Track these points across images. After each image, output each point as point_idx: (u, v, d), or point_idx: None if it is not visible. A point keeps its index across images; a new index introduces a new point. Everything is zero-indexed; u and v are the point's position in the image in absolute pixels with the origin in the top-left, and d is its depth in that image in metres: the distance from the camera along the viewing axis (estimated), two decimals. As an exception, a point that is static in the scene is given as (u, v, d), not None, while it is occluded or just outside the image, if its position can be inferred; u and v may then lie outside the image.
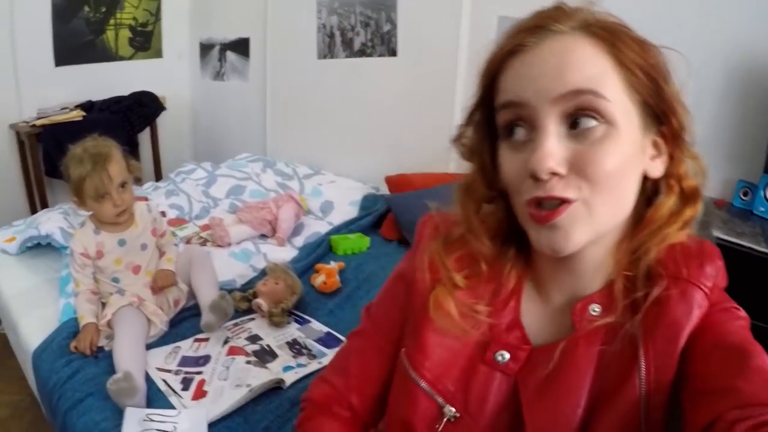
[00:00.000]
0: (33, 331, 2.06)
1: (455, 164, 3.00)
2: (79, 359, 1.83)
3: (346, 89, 3.56)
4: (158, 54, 4.61)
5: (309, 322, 2.10)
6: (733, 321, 0.68)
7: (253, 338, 1.98)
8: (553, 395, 0.69)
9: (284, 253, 2.61)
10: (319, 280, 2.31)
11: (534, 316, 0.76)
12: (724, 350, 0.63)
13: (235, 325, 2.05)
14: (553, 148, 0.63)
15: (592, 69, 0.63)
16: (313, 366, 1.84)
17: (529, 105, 0.64)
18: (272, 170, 3.49)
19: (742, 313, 0.70)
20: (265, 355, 1.88)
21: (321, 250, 2.62)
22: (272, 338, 1.99)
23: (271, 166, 3.55)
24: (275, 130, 4.09)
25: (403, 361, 0.80)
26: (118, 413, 1.60)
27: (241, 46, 4.21)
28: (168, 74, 4.60)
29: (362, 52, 3.41)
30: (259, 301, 2.07)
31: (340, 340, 1.96)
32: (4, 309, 2.32)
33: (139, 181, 2.25)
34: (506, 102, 0.67)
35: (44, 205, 3.72)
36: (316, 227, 2.86)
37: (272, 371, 1.78)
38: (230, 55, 4.32)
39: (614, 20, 0.67)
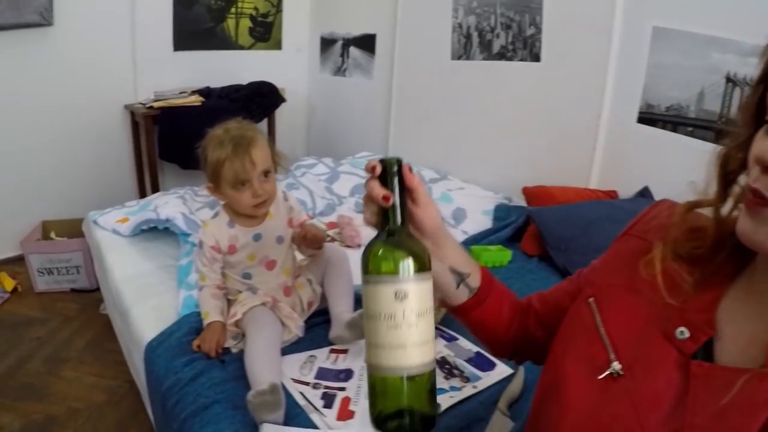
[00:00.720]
0: (146, 321, 1.84)
1: (596, 180, 2.64)
2: (203, 360, 1.58)
3: (481, 93, 3.31)
4: (277, 46, 4.52)
5: (456, 339, 1.80)
6: None
7: (397, 354, 1.68)
8: (721, 421, 0.61)
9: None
10: None
11: (731, 325, 0.66)
12: None
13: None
14: None
15: None
16: (468, 390, 1.54)
17: None
18: None
19: None
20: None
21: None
22: (418, 355, 1.68)
23: None
24: (399, 130, 3.89)
25: (590, 305, 0.78)
26: (251, 427, 1.36)
27: (366, 42, 4.03)
28: (286, 67, 4.50)
29: (502, 55, 3.16)
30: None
31: (492, 363, 1.67)
32: (115, 293, 2.11)
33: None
34: None
35: (155, 189, 3.61)
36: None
37: None
38: (354, 51, 4.16)
39: None
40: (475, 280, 0.89)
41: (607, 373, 0.71)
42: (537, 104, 3.01)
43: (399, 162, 0.74)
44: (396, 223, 0.73)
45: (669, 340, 0.68)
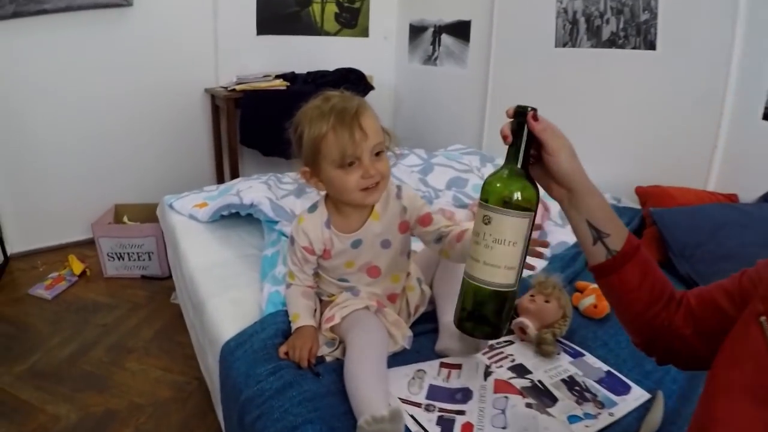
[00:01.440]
0: (224, 317, 1.60)
1: (715, 182, 2.25)
2: (291, 369, 1.31)
3: (588, 84, 2.99)
4: (364, 33, 4.36)
5: (582, 355, 1.49)
6: None
7: (519, 370, 1.38)
8: None
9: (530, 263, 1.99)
10: (587, 301, 1.71)
11: None
12: None
13: (490, 347, 1.47)
14: None
15: None
16: (604, 419, 1.24)
17: None
18: (492, 166, 2.96)
19: None
20: (540, 396, 1.29)
21: (577, 264, 2.00)
22: (543, 372, 1.39)
23: (491, 162, 3.02)
24: (495, 123, 3.55)
25: (762, 324, 0.69)
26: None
27: (459, 30, 3.78)
28: (373, 55, 4.34)
29: (612, 43, 2.84)
30: (525, 321, 1.48)
31: (627, 385, 1.37)
32: (189, 282, 1.89)
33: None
34: None
35: (234, 176, 3.48)
36: (560, 236, 2.26)
37: (558, 420, 1.19)
38: (446, 39, 3.91)
39: None
40: (615, 243, 0.87)
41: None
42: (651, 97, 2.71)
43: (526, 110, 0.83)
44: (510, 162, 0.85)
45: None
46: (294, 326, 1.41)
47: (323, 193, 1.43)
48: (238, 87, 3.45)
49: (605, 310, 1.67)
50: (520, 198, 0.81)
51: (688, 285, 1.87)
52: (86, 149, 3.48)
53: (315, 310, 1.46)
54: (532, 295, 1.56)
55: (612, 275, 0.88)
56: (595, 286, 1.76)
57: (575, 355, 1.48)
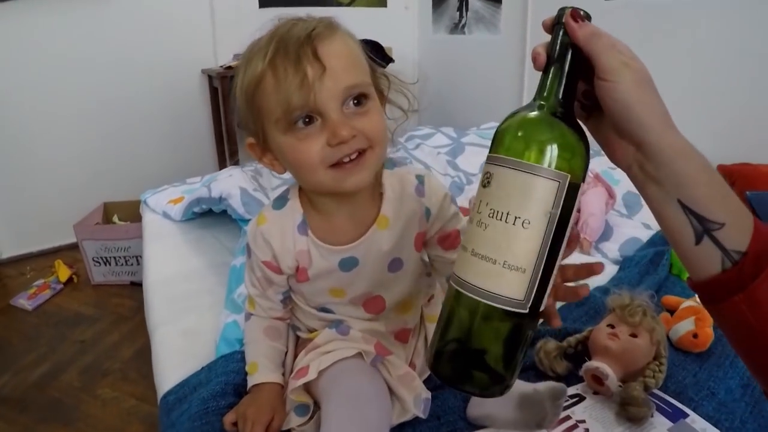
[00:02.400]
0: (170, 354, 1.17)
1: None
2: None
3: (651, 41, 2.51)
4: (382, 3, 4.00)
5: (685, 415, 0.99)
6: None
7: (594, 447, 0.91)
8: None
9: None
10: (682, 328, 1.18)
11: None
12: None
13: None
14: None
15: None
16: None
17: None
18: None
19: None
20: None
21: (660, 271, 1.50)
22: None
23: None
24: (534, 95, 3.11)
25: None
26: None
27: None
28: (392, 27, 3.96)
29: None
30: (602, 367, 0.99)
31: None
32: (146, 303, 1.47)
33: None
34: None
35: (235, 164, 3.12)
36: (630, 230, 1.78)
37: None
38: (475, 3, 3.50)
39: None
40: (736, 238, 0.51)
41: None
42: (732, 55, 2.25)
43: (566, 9, 0.55)
44: (544, 94, 0.55)
45: None
46: (250, 382, 0.94)
47: (281, 174, 0.91)
48: (234, 64, 3.09)
49: (708, 340, 1.16)
50: (554, 150, 0.51)
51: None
52: (75, 142, 3.21)
53: (285, 354, 0.99)
54: (611, 326, 1.06)
55: (736, 296, 0.51)
56: (692, 302, 1.26)
57: (675, 416, 0.98)
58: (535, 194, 0.50)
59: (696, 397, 1.02)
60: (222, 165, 3.52)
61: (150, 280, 1.50)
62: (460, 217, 0.95)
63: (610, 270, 1.52)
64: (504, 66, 3.35)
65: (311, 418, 0.90)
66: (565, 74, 0.55)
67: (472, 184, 2.09)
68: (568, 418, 0.96)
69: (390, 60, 3.44)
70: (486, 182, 0.52)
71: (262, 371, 0.94)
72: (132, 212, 3.04)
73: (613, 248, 1.68)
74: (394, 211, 0.91)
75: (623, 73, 0.52)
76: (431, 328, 1.00)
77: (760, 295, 0.51)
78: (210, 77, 3.39)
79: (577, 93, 0.57)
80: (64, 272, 2.89)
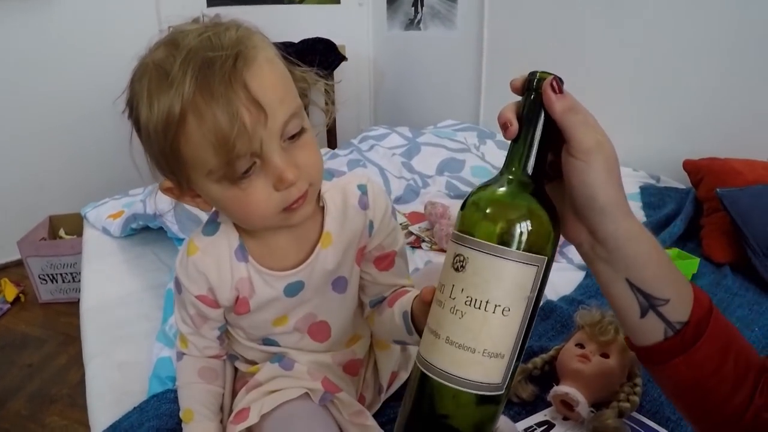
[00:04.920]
0: (104, 390, 1.09)
1: None
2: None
3: (609, 32, 2.48)
4: None
5: (656, 434, 0.94)
6: None
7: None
8: None
9: (560, 275, 1.45)
10: None
11: None
12: None
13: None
14: None
15: None
16: None
17: None
18: (494, 143, 2.51)
19: None
20: None
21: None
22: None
23: (491, 138, 2.57)
24: (493, 92, 3.14)
25: None
26: None
27: None
28: (346, 24, 3.88)
29: None
30: (571, 393, 0.92)
31: None
32: (82, 332, 1.36)
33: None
34: None
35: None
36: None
37: None
38: None
39: None
40: (678, 311, 0.56)
41: None
42: (702, 42, 2.19)
43: (543, 77, 0.53)
44: (514, 167, 0.54)
45: None
46: (185, 430, 0.85)
47: (210, 211, 0.84)
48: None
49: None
50: (526, 231, 0.50)
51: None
52: (16, 153, 3.08)
53: (219, 398, 0.90)
54: (580, 345, 1.00)
55: (677, 359, 0.57)
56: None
57: (647, 435, 0.93)
58: (514, 281, 0.49)
59: (673, 416, 0.97)
60: None
61: (85, 306, 1.41)
62: (397, 233, 0.89)
63: (576, 277, 1.47)
64: (461, 63, 3.30)
65: None
66: (536, 146, 0.53)
67: (428, 186, 2.03)
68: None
69: (343, 58, 3.40)
70: (460, 266, 0.50)
71: (198, 419, 0.85)
72: (80, 225, 2.94)
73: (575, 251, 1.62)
74: (338, 227, 0.83)
75: (597, 155, 0.52)
76: (383, 357, 0.94)
77: (699, 357, 0.56)
78: None
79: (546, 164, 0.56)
80: (10, 291, 2.79)
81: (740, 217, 1.63)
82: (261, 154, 0.65)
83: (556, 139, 0.53)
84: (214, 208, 0.81)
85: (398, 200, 2.01)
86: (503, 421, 0.84)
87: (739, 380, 0.59)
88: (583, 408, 0.91)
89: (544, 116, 0.52)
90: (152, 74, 0.66)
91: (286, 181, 0.66)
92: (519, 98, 0.55)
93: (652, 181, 2.19)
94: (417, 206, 1.89)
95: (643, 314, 0.57)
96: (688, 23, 2.21)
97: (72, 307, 2.68)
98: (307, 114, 0.76)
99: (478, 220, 0.51)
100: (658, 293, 0.56)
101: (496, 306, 0.49)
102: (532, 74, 0.54)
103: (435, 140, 2.41)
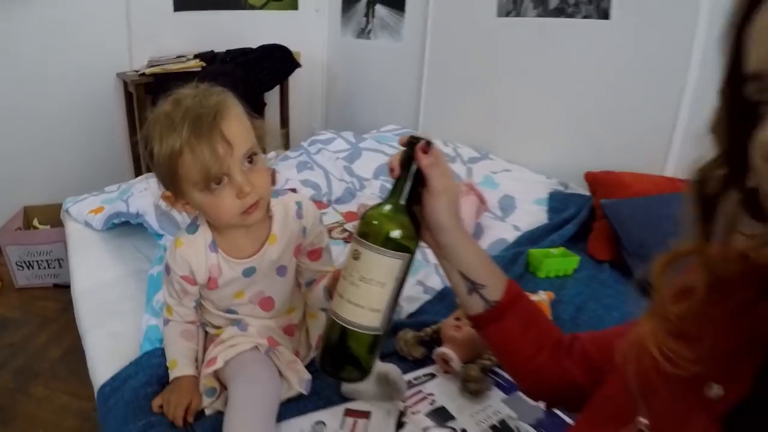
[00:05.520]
0: (103, 354, 1.38)
1: (674, 167, 2.02)
2: (164, 426, 1.10)
3: (533, 57, 2.75)
4: (293, 5, 4.09)
5: (517, 389, 1.27)
6: None
7: (440, 415, 1.18)
8: None
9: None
10: None
11: None
12: None
13: (408, 383, 1.26)
14: None
15: None
16: None
17: None
18: None
19: None
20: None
21: (517, 268, 1.80)
22: (469, 417, 1.18)
23: None
24: (432, 100, 3.38)
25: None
26: None
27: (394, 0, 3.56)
28: (303, 29, 4.08)
29: (561, 11, 2.61)
30: (447, 352, 1.26)
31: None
32: (76, 309, 1.65)
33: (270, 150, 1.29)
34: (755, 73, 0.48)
35: (150, 169, 3.11)
36: (500, 231, 2.07)
37: None
38: (380, 10, 3.66)
39: None
40: (493, 293, 0.82)
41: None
42: (603, 71, 2.47)
43: (417, 140, 0.77)
44: (394, 196, 0.79)
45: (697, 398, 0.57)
46: (171, 375, 1.18)
47: (193, 214, 1.19)
48: (148, 71, 3.16)
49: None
50: (397, 237, 0.75)
51: (646, 291, 1.69)
52: None
53: (197, 352, 1.23)
54: (457, 318, 1.34)
55: (492, 326, 0.83)
56: (536, 297, 1.57)
57: (509, 389, 1.27)
58: (388, 268, 0.75)
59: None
60: (138, 170, 3.50)
61: (78, 288, 1.68)
62: (323, 235, 1.25)
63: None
64: (405, 71, 3.49)
65: (217, 398, 1.16)
66: (410, 184, 0.78)
67: (364, 189, 2.32)
68: (420, 392, 1.24)
69: (297, 65, 3.63)
70: (356, 256, 0.75)
71: (180, 367, 1.18)
72: (52, 216, 3.09)
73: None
74: (281, 230, 1.19)
75: (443, 196, 0.78)
76: (312, 324, 1.30)
77: (506, 326, 0.82)
78: (125, 82, 3.40)
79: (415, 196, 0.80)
80: (-12, 277, 2.91)
81: (618, 224, 1.95)
82: (229, 173, 1.02)
83: (422, 180, 0.78)
84: (194, 215, 1.16)
85: (338, 201, 2.28)
86: (394, 371, 1.17)
87: (539, 347, 0.83)
88: (456, 363, 1.25)
89: (416, 166, 0.77)
90: (162, 122, 1.02)
91: (244, 193, 1.03)
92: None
93: (561, 188, 2.46)
94: (353, 207, 2.18)
95: (469, 293, 0.82)
96: (598, 57, 2.47)
97: (47, 291, 2.91)
98: (264, 151, 1.12)
99: (368, 228, 0.76)
100: (479, 280, 0.81)
101: (378, 282, 0.74)
102: (412, 137, 0.78)
103: (375, 146, 2.66)
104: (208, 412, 1.14)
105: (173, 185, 1.06)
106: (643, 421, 0.61)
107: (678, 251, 0.62)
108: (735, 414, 0.55)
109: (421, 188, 0.79)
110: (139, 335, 1.38)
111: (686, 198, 0.59)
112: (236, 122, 1.03)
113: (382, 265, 0.75)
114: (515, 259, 1.85)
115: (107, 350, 1.37)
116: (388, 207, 0.78)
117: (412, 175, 0.78)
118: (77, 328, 1.62)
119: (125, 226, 1.97)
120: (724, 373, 0.56)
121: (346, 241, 1.91)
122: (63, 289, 2.90)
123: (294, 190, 2.23)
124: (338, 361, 0.78)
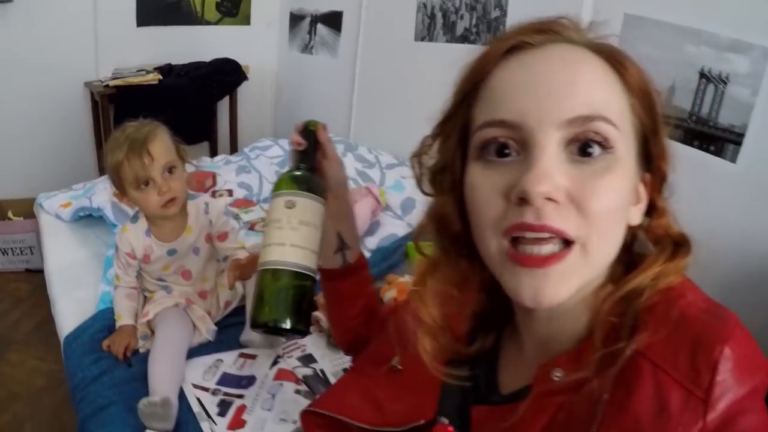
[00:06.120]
0: (69, 314, 1.84)
1: None
2: (110, 359, 1.58)
3: (444, 77, 3.04)
4: (246, 21, 4.34)
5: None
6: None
7: (307, 359, 1.67)
8: None
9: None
10: (389, 295, 1.91)
11: (510, 367, 0.70)
12: None
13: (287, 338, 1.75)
14: (553, 168, 0.54)
15: (604, 90, 0.57)
16: None
17: (527, 127, 0.55)
18: (353, 155, 3.16)
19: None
20: (317, 384, 1.57)
21: (396, 257, 2.27)
22: (328, 362, 1.67)
23: (353, 150, 3.22)
24: (361, 111, 3.73)
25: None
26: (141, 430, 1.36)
27: (333, 20, 3.90)
28: (255, 43, 4.33)
29: (465, 38, 3.02)
30: (318, 314, 1.75)
31: None
32: (48, 282, 2.10)
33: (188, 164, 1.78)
34: (497, 120, 0.57)
35: None
36: (394, 228, 2.51)
37: None
38: (321, 29, 4.01)
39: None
40: (352, 257, 0.96)
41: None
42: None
43: (317, 123, 0.92)
44: (303, 163, 0.89)
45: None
46: (117, 324, 1.67)
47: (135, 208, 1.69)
48: (111, 83, 3.50)
49: (402, 303, 1.93)
50: (317, 187, 0.85)
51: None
52: None
53: (137, 309, 1.71)
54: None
55: (339, 281, 0.98)
56: (403, 280, 2.01)
57: (366, 344, 1.77)
58: (321, 212, 0.83)
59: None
60: (101, 169, 3.72)
61: (50, 267, 2.14)
62: (228, 223, 1.77)
63: (366, 256, 2.27)
64: (340, 86, 3.81)
65: (149, 341, 1.66)
66: (313, 153, 0.91)
67: None
68: (296, 343, 1.72)
69: (245, 78, 3.99)
70: (291, 205, 0.80)
71: (124, 318, 1.68)
72: (25, 208, 3.36)
73: (374, 241, 2.41)
74: (194, 223, 1.69)
75: (335, 161, 0.92)
76: (221, 292, 1.80)
77: (348, 285, 0.98)
78: (92, 92, 3.68)
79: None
80: (-34, 262, 3.22)
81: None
82: (153, 178, 1.50)
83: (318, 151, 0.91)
84: (136, 209, 1.66)
85: (265, 200, 2.68)
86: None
87: (360, 311, 0.99)
88: (323, 323, 1.74)
89: (316, 140, 0.91)
90: (112, 143, 1.54)
91: (162, 192, 1.55)
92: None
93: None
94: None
95: (336, 252, 0.95)
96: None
97: (19, 275, 3.24)
98: (184, 163, 1.61)
99: (294, 180, 0.84)
100: (348, 242, 0.95)
101: (314, 225, 0.81)
102: (308, 122, 0.92)
103: None
104: (141, 350, 1.64)
105: (119, 186, 1.56)
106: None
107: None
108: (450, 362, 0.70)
109: (319, 157, 0.92)
110: (96, 299, 1.85)
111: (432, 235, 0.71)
112: (159, 144, 1.53)
113: (316, 209, 0.82)
114: (397, 249, 2.32)
115: (72, 311, 1.84)
116: (303, 167, 0.89)
117: (313, 147, 0.91)
118: (47, 304, 2.05)
119: (89, 218, 2.41)
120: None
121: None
122: (34, 273, 3.20)
123: (230, 192, 2.69)
124: (276, 314, 0.77)
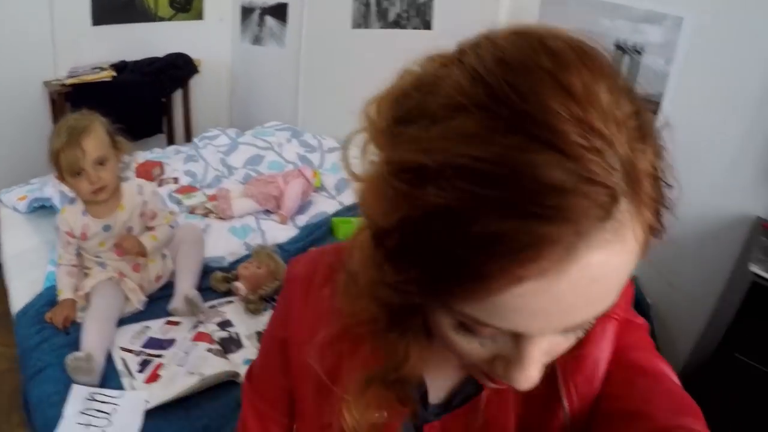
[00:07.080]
0: (21, 294, 2.07)
1: None
2: (50, 329, 1.82)
3: (379, 62, 3.15)
4: (199, 16, 4.47)
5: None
6: (637, 336, 0.63)
7: (225, 324, 1.90)
8: None
9: (285, 232, 2.51)
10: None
11: (431, 367, 0.65)
12: (632, 371, 0.59)
13: (211, 307, 1.98)
14: (541, 357, 0.48)
15: (621, 284, 0.45)
16: None
17: (525, 335, 0.46)
18: (298, 141, 3.37)
19: (640, 320, 0.64)
20: (230, 345, 1.80)
21: (320, 232, 2.50)
22: (244, 326, 1.90)
23: (298, 137, 3.42)
24: (307, 99, 3.95)
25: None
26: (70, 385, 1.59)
27: (280, 11, 4.07)
28: (208, 37, 4.46)
29: (396, 23, 3.22)
30: (238, 284, 1.99)
31: None
32: (5, 268, 2.32)
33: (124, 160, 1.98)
34: (492, 325, 0.45)
35: None
36: (325, 206, 2.74)
37: (231, 362, 1.70)
38: (269, 20, 4.17)
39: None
40: None
41: None
42: None
43: None
44: None
45: None
46: (59, 298, 1.90)
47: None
48: (67, 81, 3.65)
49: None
50: None
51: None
52: None
53: (76, 285, 1.94)
54: (247, 265, 2.05)
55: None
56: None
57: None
58: None
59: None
60: None
61: (8, 253, 2.36)
62: (158, 202, 2.01)
63: (294, 232, 2.53)
64: (287, 74, 3.99)
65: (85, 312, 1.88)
66: None
67: (233, 175, 2.97)
68: (218, 311, 1.96)
69: (195, 71, 4.17)
70: None
71: (65, 293, 1.91)
72: None
73: (304, 219, 2.65)
74: (128, 202, 1.91)
75: None
76: (152, 266, 2.03)
77: None
78: (50, 91, 3.78)
79: None
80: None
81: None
82: (84, 169, 1.71)
83: None
84: (74, 194, 1.85)
85: (208, 186, 2.89)
86: (196, 296, 1.89)
87: None
88: (242, 291, 1.97)
89: None
90: (54, 132, 1.73)
91: (91, 181, 1.74)
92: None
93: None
94: (216, 191, 2.77)
95: None
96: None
97: None
98: (119, 154, 1.82)
99: None
100: None
101: None
102: None
103: (250, 140, 3.27)
104: (79, 321, 1.87)
105: (58, 172, 1.77)
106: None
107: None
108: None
109: None
110: (44, 278, 2.09)
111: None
112: (94, 139, 1.74)
113: None
114: (321, 224, 2.56)
115: (25, 291, 2.07)
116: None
117: None
118: (5, 289, 2.26)
119: (43, 209, 2.62)
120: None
121: (204, 216, 2.59)
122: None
123: (176, 179, 2.91)
124: None
